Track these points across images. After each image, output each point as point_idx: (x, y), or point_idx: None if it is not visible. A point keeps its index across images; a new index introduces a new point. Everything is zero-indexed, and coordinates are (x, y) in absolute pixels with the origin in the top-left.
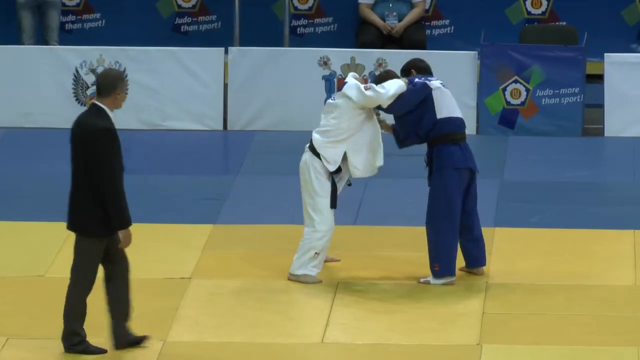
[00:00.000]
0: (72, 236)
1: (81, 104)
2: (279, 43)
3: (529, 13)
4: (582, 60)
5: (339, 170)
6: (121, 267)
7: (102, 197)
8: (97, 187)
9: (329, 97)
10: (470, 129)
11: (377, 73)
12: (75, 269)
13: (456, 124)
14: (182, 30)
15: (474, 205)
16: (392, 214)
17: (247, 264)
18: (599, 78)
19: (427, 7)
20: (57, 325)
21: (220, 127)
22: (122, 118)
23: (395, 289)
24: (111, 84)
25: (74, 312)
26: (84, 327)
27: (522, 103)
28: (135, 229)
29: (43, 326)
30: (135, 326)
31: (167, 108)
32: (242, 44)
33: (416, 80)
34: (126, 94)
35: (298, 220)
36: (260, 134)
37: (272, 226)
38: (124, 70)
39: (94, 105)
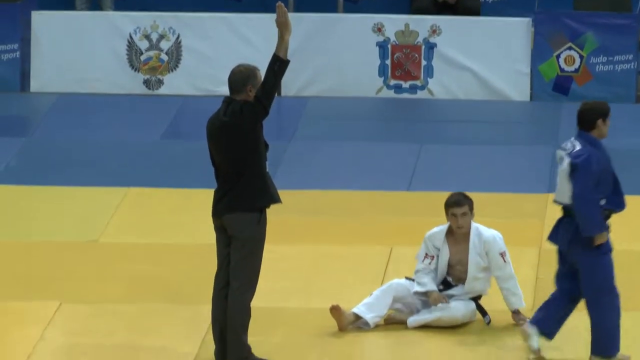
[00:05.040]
0: (125, 200)
1: (135, 70)
2: (333, 9)
3: None
4: (636, 27)
5: None
6: None
7: None
8: None
9: (382, 63)
10: (524, 95)
11: (430, 40)
12: None
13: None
14: None
15: None
16: (446, 179)
17: (300, 230)
18: None
19: None
20: (110, 290)
21: None
22: (175, 84)
23: None
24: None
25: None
26: None
27: (576, 70)
28: (191, 194)
29: (96, 291)
30: (182, 288)
31: (220, 74)
32: (296, 10)
33: None
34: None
35: (352, 185)
36: (313, 100)
37: (325, 192)
38: (178, 37)
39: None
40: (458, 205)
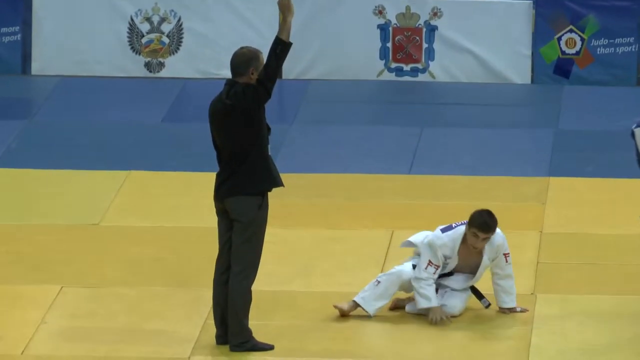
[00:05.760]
0: (127, 183)
1: (136, 53)
2: None
3: None
4: (637, 9)
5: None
6: None
7: None
8: None
9: (383, 46)
10: (525, 78)
11: (432, 22)
12: None
13: None
14: None
15: None
16: (447, 162)
17: (301, 213)
18: None
19: None
20: (111, 274)
21: None
22: (176, 67)
23: None
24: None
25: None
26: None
27: (577, 52)
28: (192, 177)
29: (97, 274)
30: (184, 271)
31: (222, 57)
32: None
33: None
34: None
35: (353, 169)
36: (314, 83)
37: (326, 175)
38: (179, 19)
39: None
40: (484, 231)
